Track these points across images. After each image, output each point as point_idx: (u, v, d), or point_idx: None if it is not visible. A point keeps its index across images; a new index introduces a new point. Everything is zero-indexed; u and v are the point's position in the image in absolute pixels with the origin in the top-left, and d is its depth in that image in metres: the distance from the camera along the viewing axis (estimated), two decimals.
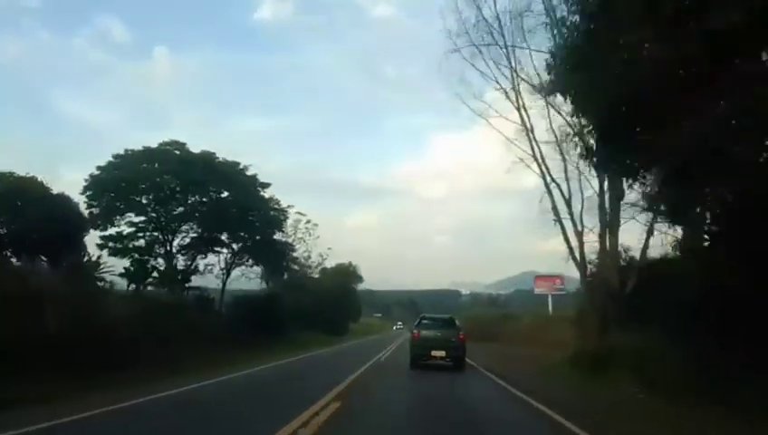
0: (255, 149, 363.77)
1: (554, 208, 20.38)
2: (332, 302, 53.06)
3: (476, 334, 36.60)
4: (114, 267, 25.08)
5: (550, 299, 40.86)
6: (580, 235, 20.00)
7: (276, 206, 34.81)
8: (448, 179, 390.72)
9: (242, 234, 33.58)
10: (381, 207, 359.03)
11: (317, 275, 53.58)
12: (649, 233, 17.38)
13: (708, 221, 12.13)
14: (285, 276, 41.20)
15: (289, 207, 36.74)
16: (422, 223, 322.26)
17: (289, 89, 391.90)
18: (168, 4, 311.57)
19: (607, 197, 18.76)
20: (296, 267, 45.10)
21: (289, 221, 38.94)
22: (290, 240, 41.52)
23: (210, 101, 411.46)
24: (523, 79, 20.92)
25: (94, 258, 22.36)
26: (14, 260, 18.83)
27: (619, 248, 18.97)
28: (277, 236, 36.04)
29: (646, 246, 17.78)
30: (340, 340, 47.61)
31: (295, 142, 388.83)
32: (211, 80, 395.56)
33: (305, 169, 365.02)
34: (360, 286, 76.64)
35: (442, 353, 19.16)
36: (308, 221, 44.83)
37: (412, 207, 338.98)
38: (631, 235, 18.69)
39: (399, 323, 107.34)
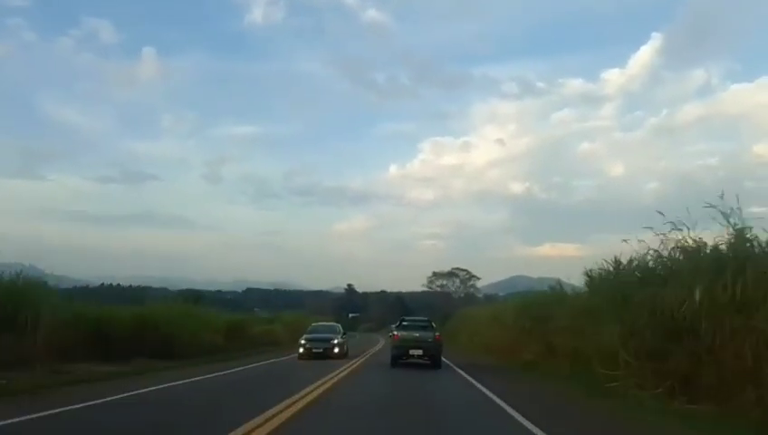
0: (243, 155, 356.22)
1: None
2: None
3: None
4: None
5: None
6: None
7: None
8: (437, 184, 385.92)
9: None
10: (370, 212, 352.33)
11: None
12: None
13: None
14: None
15: None
16: (410, 227, 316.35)
17: (279, 94, 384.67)
18: (157, 6, 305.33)
19: None
20: None
21: None
22: None
23: (199, 106, 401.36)
24: None
25: None
26: None
27: None
28: None
29: None
30: None
31: (284, 148, 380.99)
32: (200, 84, 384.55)
33: (294, 175, 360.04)
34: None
35: (419, 352, 20.54)
36: None
37: (402, 212, 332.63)
38: None
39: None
